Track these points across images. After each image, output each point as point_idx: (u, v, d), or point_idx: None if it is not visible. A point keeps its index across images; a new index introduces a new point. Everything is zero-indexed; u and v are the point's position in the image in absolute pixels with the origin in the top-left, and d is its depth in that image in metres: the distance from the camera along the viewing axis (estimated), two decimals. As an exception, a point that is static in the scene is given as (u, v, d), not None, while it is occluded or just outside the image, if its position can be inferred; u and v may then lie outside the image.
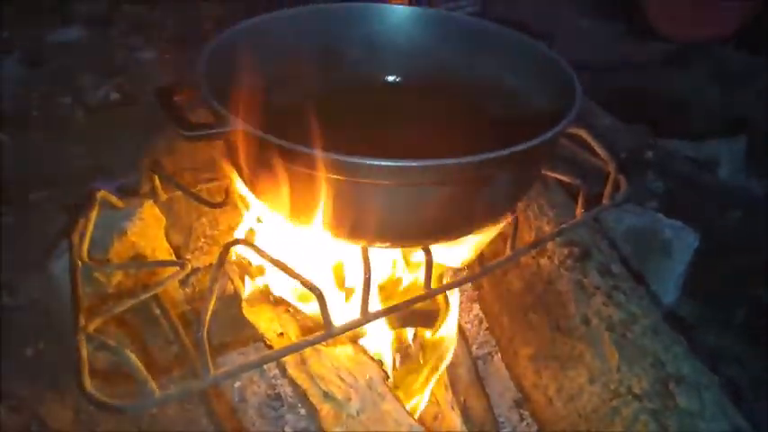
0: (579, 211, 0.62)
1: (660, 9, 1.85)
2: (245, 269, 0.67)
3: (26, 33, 1.73)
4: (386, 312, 0.52)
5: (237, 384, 0.75)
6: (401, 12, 0.65)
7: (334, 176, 0.42)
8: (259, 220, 0.59)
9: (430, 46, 0.65)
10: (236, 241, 0.53)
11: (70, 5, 1.86)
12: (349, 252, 0.65)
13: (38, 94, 1.50)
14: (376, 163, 0.41)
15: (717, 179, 1.14)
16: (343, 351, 0.62)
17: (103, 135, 1.34)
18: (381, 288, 0.65)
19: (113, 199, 0.64)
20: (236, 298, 0.72)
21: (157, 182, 0.66)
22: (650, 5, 1.86)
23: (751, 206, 1.03)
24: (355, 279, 0.65)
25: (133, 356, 0.42)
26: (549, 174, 0.66)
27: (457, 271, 0.83)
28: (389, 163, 0.41)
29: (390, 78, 0.66)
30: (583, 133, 0.65)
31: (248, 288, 0.66)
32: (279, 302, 0.65)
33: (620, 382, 0.56)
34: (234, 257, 0.64)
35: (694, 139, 1.20)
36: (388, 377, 0.63)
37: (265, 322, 0.64)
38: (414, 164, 0.41)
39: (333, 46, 0.64)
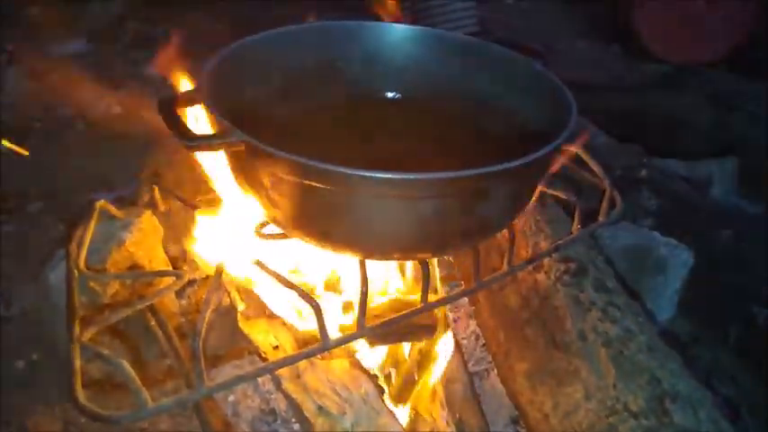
0: (575, 227, 0.63)
1: (653, 32, 1.90)
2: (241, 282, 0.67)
3: (30, 46, 1.75)
4: (382, 326, 0.52)
5: (231, 398, 0.74)
6: (400, 30, 0.66)
7: (333, 188, 0.43)
8: (257, 231, 0.60)
9: (429, 64, 0.66)
10: (234, 253, 0.53)
11: (74, 19, 1.88)
12: (346, 264, 0.65)
13: (40, 106, 1.51)
14: (373, 175, 0.41)
15: (709, 198, 1.15)
16: (338, 365, 0.62)
17: (104, 148, 1.35)
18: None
19: (112, 209, 0.65)
20: (231, 310, 0.72)
21: (157, 193, 0.67)
22: (644, 28, 1.90)
23: (742, 226, 1.05)
24: (352, 292, 0.65)
25: (127, 366, 0.42)
26: (546, 190, 0.66)
27: (453, 286, 0.84)
28: (387, 175, 0.41)
29: (390, 95, 0.67)
30: (579, 151, 0.66)
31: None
32: (274, 315, 0.65)
33: (616, 399, 0.56)
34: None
35: (687, 159, 1.22)
36: (383, 391, 0.63)
37: (261, 335, 0.64)
38: (410, 176, 0.42)
39: (333, 62, 0.65)
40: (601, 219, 0.64)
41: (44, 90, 1.57)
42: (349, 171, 0.41)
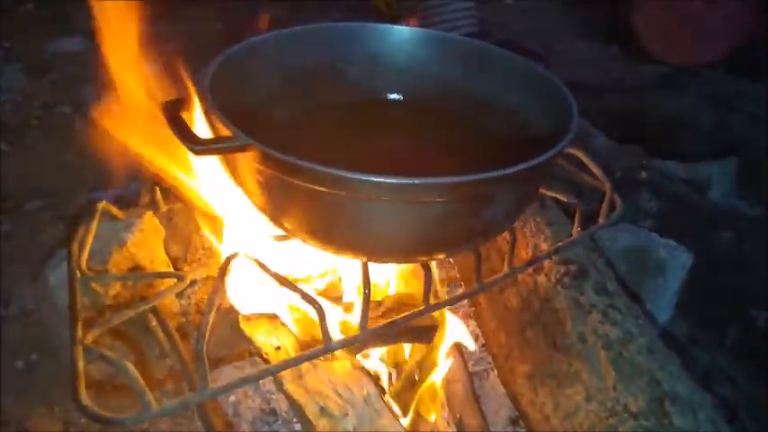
0: (576, 229, 0.63)
1: (653, 33, 1.90)
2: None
3: (27, 43, 1.74)
4: (385, 327, 0.53)
5: (232, 399, 0.74)
6: (402, 32, 0.66)
7: (336, 192, 0.43)
8: (260, 234, 0.60)
9: (431, 66, 0.67)
10: (237, 254, 0.53)
11: (72, 17, 1.87)
12: (348, 267, 0.65)
13: (38, 103, 1.51)
14: (378, 180, 0.41)
15: (708, 200, 1.16)
16: (340, 366, 0.62)
17: (102, 146, 1.35)
18: (379, 303, 0.65)
19: (114, 210, 0.65)
20: (232, 312, 0.72)
21: (158, 193, 0.67)
22: (643, 29, 1.91)
23: (741, 227, 1.05)
24: (354, 293, 0.65)
25: (132, 367, 0.42)
26: (546, 192, 0.67)
27: (454, 287, 0.84)
28: (391, 180, 0.41)
29: (392, 97, 0.68)
30: (579, 153, 0.67)
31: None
32: (276, 316, 0.65)
33: (616, 401, 0.57)
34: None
35: (686, 161, 1.22)
36: (385, 392, 0.63)
37: (263, 336, 0.64)
38: (415, 181, 0.42)
39: (335, 64, 0.65)
40: (601, 221, 0.65)
41: (42, 87, 1.57)
42: (355, 176, 0.41)
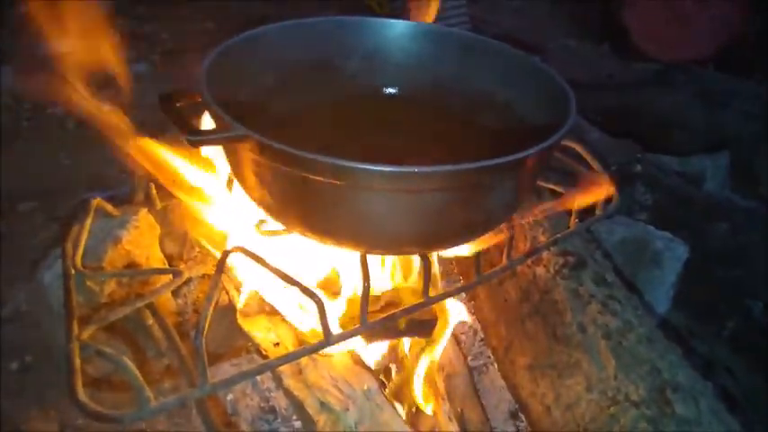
0: (573, 221, 0.63)
1: (643, 30, 1.92)
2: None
3: (18, 45, 1.73)
4: (385, 320, 0.52)
5: (230, 397, 0.74)
6: (398, 26, 0.66)
7: (337, 183, 0.43)
8: (257, 228, 0.59)
9: (427, 59, 0.66)
10: (235, 249, 0.53)
11: (62, 18, 1.86)
12: (347, 259, 0.65)
13: (29, 104, 1.49)
14: (376, 168, 0.41)
15: (703, 193, 1.17)
16: (340, 360, 0.62)
17: (95, 146, 1.33)
18: (378, 297, 0.65)
19: (108, 207, 0.64)
20: (229, 308, 0.71)
21: (153, 190, 0.66)
22: (634, 27, 1.92)
23: (736, 219, 1.06)
24: (352, 287, 0.65)
25: (130, 363, 0.42)
26: (544, 184, 0.67)
27: (452, 280, 0.84)
28: (389, 169, 0.41)
29: (388, 90, 0.67)
30: (577, 146, 0.67)
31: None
32: (275, 312, 0.65)
33: (617, 390, 0.57)
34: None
35: (679, 155, 1.23)
36: (385, 387, 0.63)
37: (261, 332, 0.63)
38: (414, 170, 0.42)
39: (331, 58, 0.65)
40: (598, 213, 0.65)
41: (33, 89, 1.55)
42: (354, 165, 0.40)
